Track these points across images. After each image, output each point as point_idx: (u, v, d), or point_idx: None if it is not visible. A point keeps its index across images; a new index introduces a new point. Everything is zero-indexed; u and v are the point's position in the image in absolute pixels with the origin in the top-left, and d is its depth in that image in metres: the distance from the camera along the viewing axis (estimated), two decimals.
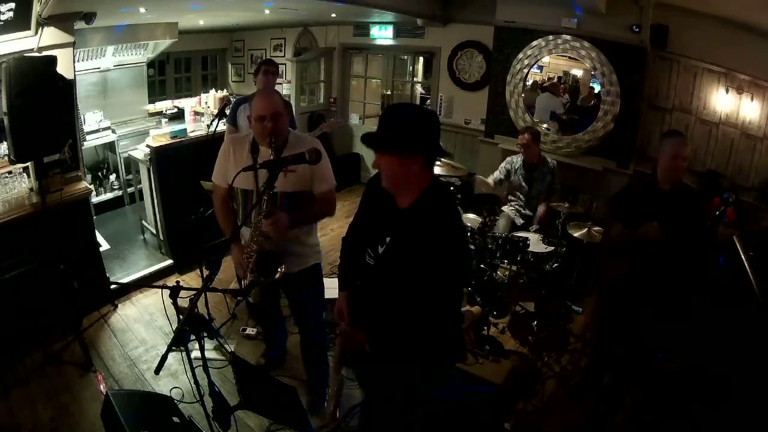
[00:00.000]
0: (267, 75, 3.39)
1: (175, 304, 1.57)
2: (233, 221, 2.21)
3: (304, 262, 2.26)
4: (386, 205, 1.55)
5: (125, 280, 3.67)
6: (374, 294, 1.62)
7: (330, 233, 4.70)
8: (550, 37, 4.47)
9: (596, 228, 3.36)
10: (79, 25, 3.17)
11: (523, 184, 3.83)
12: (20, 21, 2.74)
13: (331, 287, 3.15)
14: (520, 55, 4.68)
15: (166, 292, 1.57)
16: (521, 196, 3.91)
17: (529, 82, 4.86)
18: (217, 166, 2.20)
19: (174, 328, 1.49)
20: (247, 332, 3.21)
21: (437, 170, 3.97)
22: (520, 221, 3.85)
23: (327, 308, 3.15)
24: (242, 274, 2.10)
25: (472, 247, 3.41)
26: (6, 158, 2.83)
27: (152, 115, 5.69)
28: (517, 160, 3.89)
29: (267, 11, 5.13)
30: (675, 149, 2.27)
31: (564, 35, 4.39)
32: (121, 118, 5.25)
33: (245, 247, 2.06)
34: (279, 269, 2.03)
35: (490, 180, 3.94)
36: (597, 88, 4.54)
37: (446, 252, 1.43)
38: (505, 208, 3.98)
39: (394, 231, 1.51)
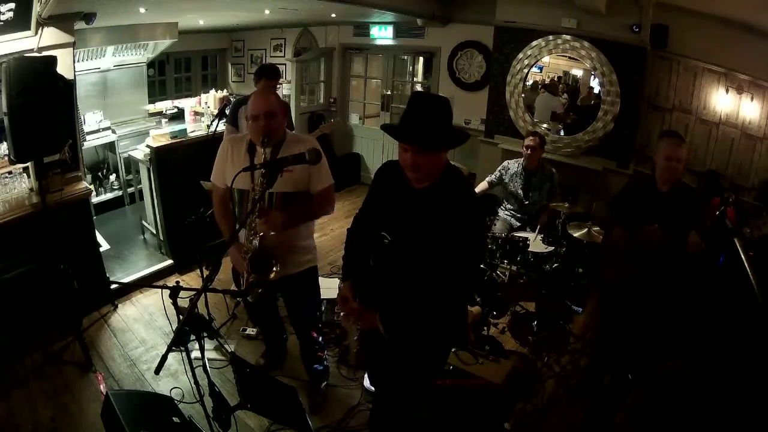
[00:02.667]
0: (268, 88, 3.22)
1: (175, 304, 1.57)
2: (231, 222, 2.21)
3: (300, 264, 2.26)
4: (400, 188, 1.58)
5: (125, 280, 3.67)
6: (393, 272, 1.63)
7: (330, 233, 4.71)
8: (550, 37, 4.46)
9: (596, 228, 3.35)
10: (79, 25, 3.17)
11: (520, 191, 3.74)
12: (20, 21, 2.74)
13: (330, 287, 3.18)
14: (520, 55, 4.67)
15: (166, 292, 1.57)
16: (516, 202, 3.83)
17: (529, 82, 4.86)
18: (216, 166, 2.21)
19: (174, 328, 1.49)
20: (247, 332, 3.21)
21: None
22: (516, 224, 3.83)
23: (326, 309, 3.16)
24: (240, 273, 2.11)
25: None
26: (6, 158, 2.83)
27: (152, 115, 5.69)
28: (514, 165, 3.79)
29: (267, 11, 5.13)
30: (669, 151, 2.24)
31: (564, 35, 4.38)
32: (121, 118, 5.25)
33: (242, 247, 2.06)
34: (274, 269, 2.02)
35: (485, 183, 3.91)
36: (597, 88, 4.54)
37: (469, 223, 1.50)
38: (500, 212, 3.94)
39: (415, 210, 1.53)
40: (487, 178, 3.93)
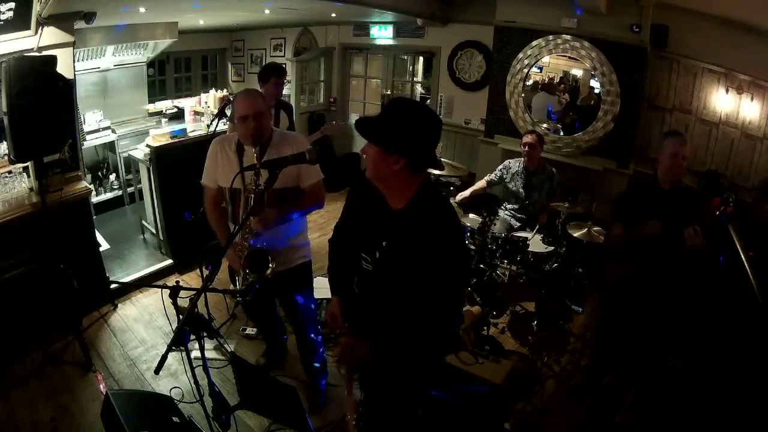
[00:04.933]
0: (278, 87, 3.40)
1: (175, 304, 1.57)
2: (225, 222, 2.24)
3: (293, 260, 2.28)
4: (378, 208, 1.52)
5: (125, 279, 3.67)
6: (375, 299, 1.60)
7: (330, 233, 4.70)
8: (550, 37, 4.46)
9: (596, 228, 3.35)
10: (79, 24, 3.17)
11: (521, 190, 3.73)
12: (20, 21, 2.74)
13: (327, 287, 3.17)
14: (520, 55, 4.67)
15: (166, 292, 1.57)
16: (516, 202, 3.82)
17: (530, 82, 4.86)
18: (206, 167, 2.22)
19: (174, 328, 1.49)
20: (247, 332, 3.21)
21: (438, 171, 3.97)
22: (516, 224, 3.83)
23: (322, 306, 3.16)
24: (237, 272, 2.11)
25: (472, 247, 3.41)
26: (6, 158, 2.83)
27: (152, 114, 5.69)
28: (515, 165, 3.78)
29: (267, 11, 5.13)
30: (675, 148, 2.29)
31: (564, 35, 4.38)
32: (121, 118, 5.25)
33: (237, 245, 2.08)
34: (270, 265, 2.04)
35: (483, 182, 3.90)
36: (597, 88, 4.54)
37: (448, 252, 1.41)
38: (500, 212, 3.94)
39: (391, 234, 1.48)
40: (486, 177, 3.92)
